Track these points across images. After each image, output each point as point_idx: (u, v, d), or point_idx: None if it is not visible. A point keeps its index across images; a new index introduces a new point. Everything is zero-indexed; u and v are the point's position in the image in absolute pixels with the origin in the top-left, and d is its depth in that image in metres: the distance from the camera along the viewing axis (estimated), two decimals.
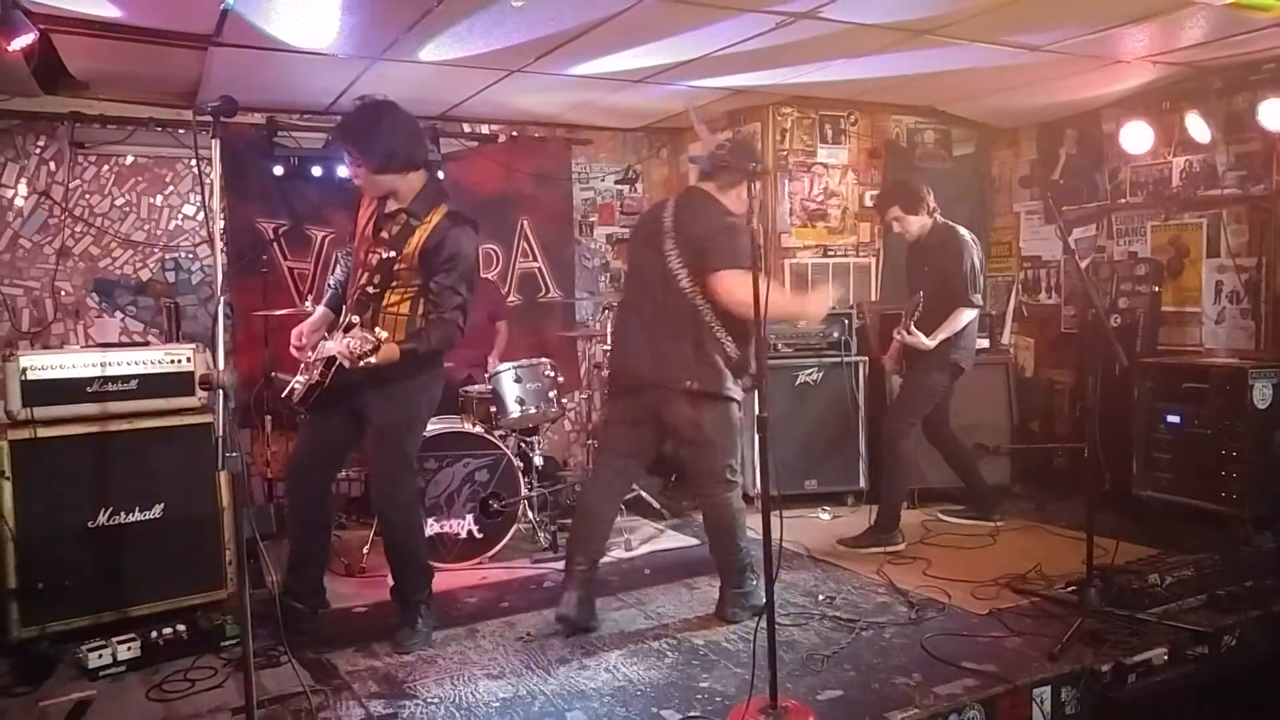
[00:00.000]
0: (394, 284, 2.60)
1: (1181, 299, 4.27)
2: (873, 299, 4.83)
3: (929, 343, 3.55)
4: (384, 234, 2.64)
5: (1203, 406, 3.70)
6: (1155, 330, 4.26)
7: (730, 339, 2.75)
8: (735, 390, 2.79)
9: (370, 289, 2.60)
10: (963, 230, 3.71)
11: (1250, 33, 3.36)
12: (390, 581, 2.85)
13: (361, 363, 2.32)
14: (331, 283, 2.90)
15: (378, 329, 2.40)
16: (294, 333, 2.81)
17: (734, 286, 2.57)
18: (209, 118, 1.95)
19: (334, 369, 2.50)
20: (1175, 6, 3.05)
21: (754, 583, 2.89)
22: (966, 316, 3.59)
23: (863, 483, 4.30)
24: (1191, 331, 4.24)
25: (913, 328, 3.54)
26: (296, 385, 2.69)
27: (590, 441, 4.28)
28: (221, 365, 1.87)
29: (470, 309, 2.66)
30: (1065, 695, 2.42)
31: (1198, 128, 4.00)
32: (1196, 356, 4.12)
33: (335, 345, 2.40)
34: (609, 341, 2.98)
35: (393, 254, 2.58)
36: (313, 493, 2.77)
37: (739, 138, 2.96)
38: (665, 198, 3.08)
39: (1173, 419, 3.82)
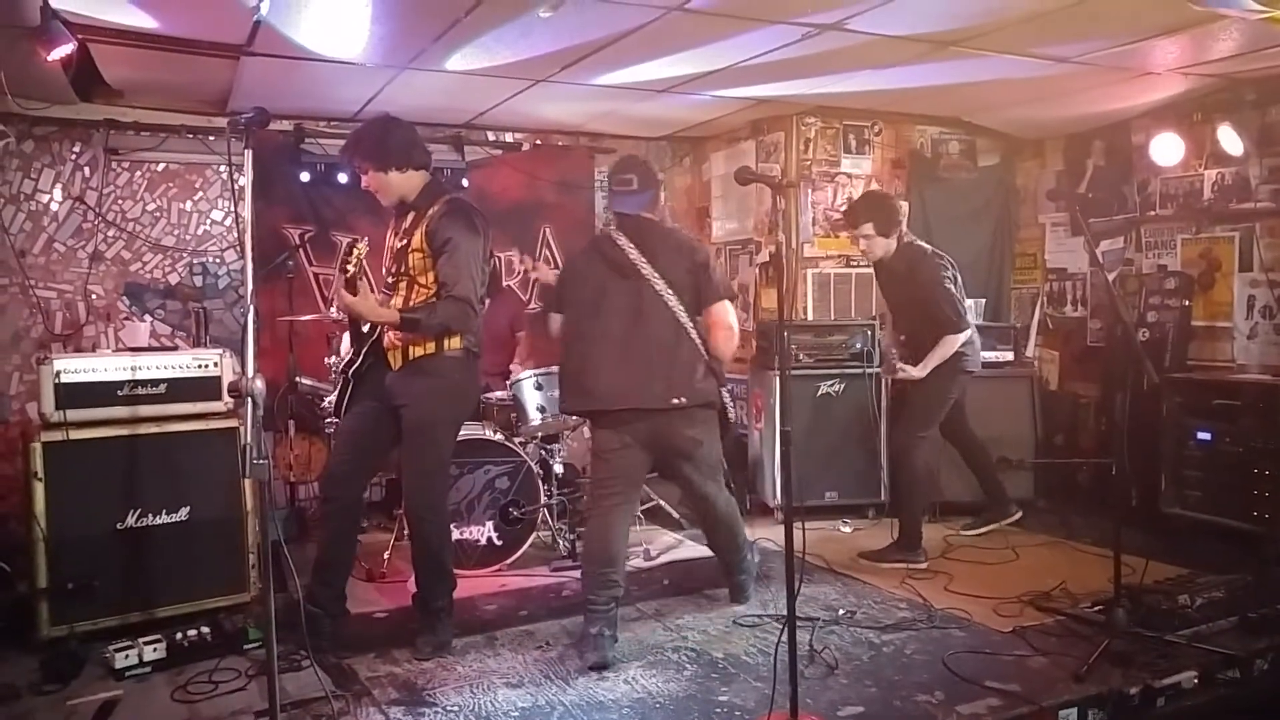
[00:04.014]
0: (411, 272, 2.69)
1: (1212, 313, 4.19)
2: None
3: (919, 373, 3.58)
4: (400, 228, 2.79)
5: (1234, 424, 3.63)
6: (1185, 345, 4.19)
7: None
8: (724, 394, 2.93)
9: (390, 278, 2.76)
10: (929, 249, 3.65)
11: None
12: (412, 587, 2.87)
13: (369, 314, 2.60)
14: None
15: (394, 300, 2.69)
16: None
17: (727, 314, 2.84)
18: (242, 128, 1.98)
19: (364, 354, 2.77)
20: (1208, 19, 3.00)
21: (750, 557, 3.20)
22: (956, 342, 3.55)
23: (884, 495, 4.27)
24: (1223, 347, 4.16)
25: (901, 365, 3.62)
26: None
27: None
28: (250, 373, 1.90)
29: (481, 291, 2.69)
30: (1092, 717, 2.38)
31: (1230, 140, 3.93)
32: (1228, 372, 4.04)
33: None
34: (565, 370, 2.85)
35: (405, 242, 2.72)
36: (350, 500, 2.81)
37: (627, 160, 2.96)
38: (599, 232, 3.15)
39: (1203, 436, 3.76)
